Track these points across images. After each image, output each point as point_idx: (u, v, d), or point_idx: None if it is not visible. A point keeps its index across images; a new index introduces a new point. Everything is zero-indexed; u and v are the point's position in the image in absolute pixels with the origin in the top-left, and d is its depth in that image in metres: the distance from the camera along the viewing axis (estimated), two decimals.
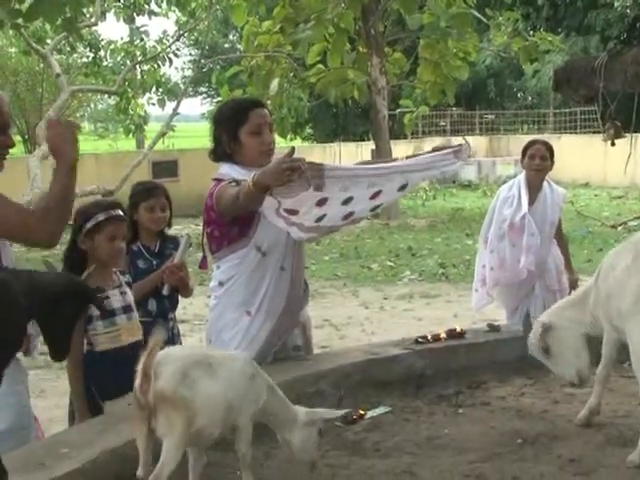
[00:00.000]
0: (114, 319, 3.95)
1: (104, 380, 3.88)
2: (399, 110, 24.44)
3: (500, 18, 20.42)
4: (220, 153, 4.02)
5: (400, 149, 24.78)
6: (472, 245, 14.63)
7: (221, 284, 4.00)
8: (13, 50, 26.02)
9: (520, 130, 33.22)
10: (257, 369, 3.04)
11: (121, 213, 4.13)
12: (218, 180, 3.96)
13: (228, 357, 3.05)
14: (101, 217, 3.99)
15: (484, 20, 20.07)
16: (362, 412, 3.98)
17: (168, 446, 2.73)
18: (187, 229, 18.55)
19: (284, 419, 3.08)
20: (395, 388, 4.28)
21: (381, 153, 20.25)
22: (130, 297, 4.06)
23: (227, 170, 3.96)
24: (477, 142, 31.04)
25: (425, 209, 21.97)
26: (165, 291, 4.57)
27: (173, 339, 4.69)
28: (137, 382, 2.75)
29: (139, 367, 2.75)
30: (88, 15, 15.93)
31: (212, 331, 4.08)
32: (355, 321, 10.00)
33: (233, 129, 3.93)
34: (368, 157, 25.36)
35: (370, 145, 24.75)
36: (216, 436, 2.90)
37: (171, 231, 4.96)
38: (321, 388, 4.17)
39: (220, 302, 4.01)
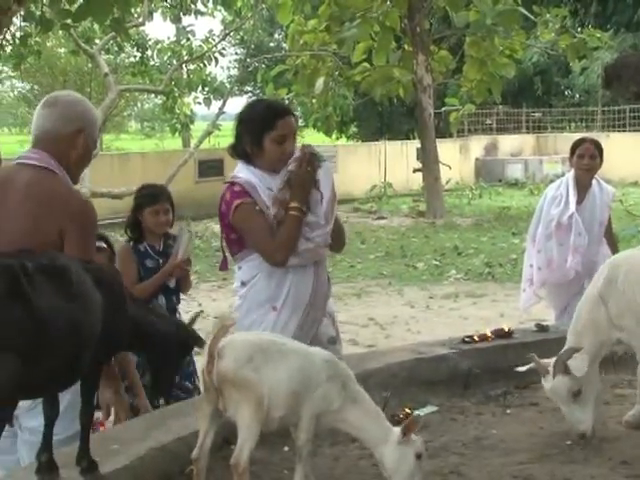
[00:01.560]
0: None
1: None
2: (445, 108, 24.33)
3: (547, 15, 20.25)
4: (239, 151, 4.01)
5: (446, 147, 24.69)
6: (518, 244, 14.52)
7: (244, 284, 4.01)
8: (62, 50, 26.30)
9: (567, 128, 32.87)
10: (339, 373, 3.03)
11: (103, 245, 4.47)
12: (232, 184, 3.95)
13: (307, 350, 3.07)
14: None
15: (531, 17, 19.92)
16: (409, 412, 3.96)
17: (241, 427, 2.80)
18: None
19: (374, 435, 3.00)
20: (442, 388, 4.25)
21: (427, 152, 20.20)
22: None
23: (244, 173, 3.96)
24: (524, 140, 30.83)
25: (471, 208, 21.84)
26: (172, 284, 4.92)
27: None
28: (203, 363, 2.83)
29: (205, 350, 2.82)
30: (136, 15, 16.04)
31: (239, 330, 3.99)
32: (400, 320, 9.98)
33: (258, 133, 3.91)
34: (414, 156, 25.32)
35: (415, 144, 24.66)
36: (279, 421, 2.90)
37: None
38: (367, 387, 4.14)
39: (245, 301, 4.01)
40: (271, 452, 3.35)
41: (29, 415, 3.27)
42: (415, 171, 23.63)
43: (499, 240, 16.07)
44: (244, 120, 4.01)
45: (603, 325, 3.68)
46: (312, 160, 3.87)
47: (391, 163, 25.74)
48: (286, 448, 3.42)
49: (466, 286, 11.87)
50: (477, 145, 28.90)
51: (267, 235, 3.84)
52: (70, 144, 3.34)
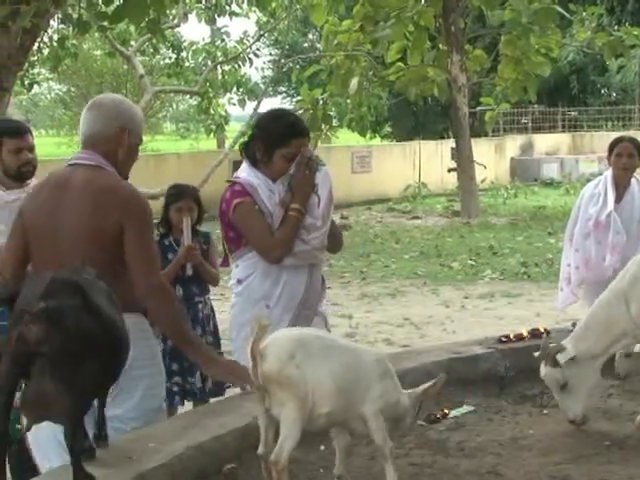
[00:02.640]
0: None
1: None
2: (479, 108, 24.25)
3: (584, 13, 20.09)
4: (249, 153, 4.13)
5: (481, 147, 24.59)
6: (554, 244, 14.44)
7: (240, 281, 4.12)
8: (98, 52, 26.50)
9: (604, 127, 32.64)
10: (390, 370, 3.10)
11: None
12: (233, 184, 4.09)
13: (357, 348, 3.13)
14: None
15: (567, 15, 19.78)
16: (445, 411, 3.95)
17: (284, 424, 2.84)
18: None
19: (401, 415, 3.13)
20: (478, 387, 4.24)
21: (462, 151, 20.13)
22: None
23: (246, 174, 4.09)
24: (560, 139, 30.63)
25: (506, 207, 21.74)
26: (189, 271, 5.27)
27: (203, 321, 5.32)
28: (250, 365, 2.88)
29: (248, 352, 2.86)
30: (171, 17, 16.13)
31: (233, 327, 4.18)
32: (435, 320, 9.95)
33: (271, 146, 4.03)
34: (448, 155, 25.24)
35: (450, 143, 24.58)
36: (325, 419, 2.92)
37: None
38: (403, 386, 4.15)
39: (240, 298, 4.13)
40: (308, 451, 3.36)
41: (112, 404, 3.33)
42: (450, 171, 23.56)
43: (535, 240, 15.97)
44: (262, 128, 4.13)
45: (620, 323, 3.71)
46: (310, 164, 4.02)
47: (426, 163, 25.68)
48: (322, 447, 3.42)
49: (502, 286, 11.81)
50: (512, 144, 28.76)
51: (265, 233, 3.99)
52: (116, 143, 3.54)
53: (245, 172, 4.10)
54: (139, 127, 3.64)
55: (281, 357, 2.85)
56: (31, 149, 4.77)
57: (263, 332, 2.86)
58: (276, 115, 4.26)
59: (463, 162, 20.14)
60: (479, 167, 20.86)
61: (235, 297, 4.17)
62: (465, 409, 4.04)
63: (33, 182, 4.75)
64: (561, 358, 3.71)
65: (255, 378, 2.86)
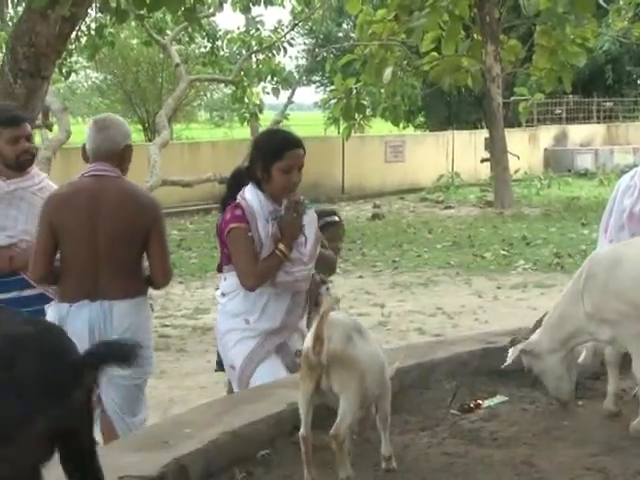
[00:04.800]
0: None
1: None
2: (513, 98, 24.08)
3: (620, 2, 19.91)
4: (252, 174, 4.36)
5: (514, 137, 24.46)
6: (588, 235, 14.35)
7: (224, 295, 4.39)
8: (135, 41, 26.58)
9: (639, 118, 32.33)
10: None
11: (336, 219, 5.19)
12: (236, 207, 4.30)
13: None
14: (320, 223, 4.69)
15: (603, 4, 19.59)
16: (479, 401, 3.96)
17: (345, 402, 2.97)
18: None
19: None
20: (512, 378, 4.23)
21: (495, 141, 20.04)
22: None
23: (250, 196, 4.30)
24: (594, 130, 30.38)
25: (539, 198, 21.62)
26: None
27: None
28: (309, 344, 2.99)
29: (312, 330, 3.00)
30: (206, 6, 16.13)
31: (218, 333, 4.50)
32: (468, 310, 9.94)
33: (268, 161, 4.25)
34: (482, 145, 25.12)
35: (484, 133, 24.47)
36: (372, 396, 3.12)
37: None
38: (437, 376, 4.17)
39: (224, 309, 4.40)
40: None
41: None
42: (483, 161, 23.48)
43: (568, 230, 15.88)
44: (258, 147, 4.40)
45: (574, 320, 3.79)
46: (298, 207, 4.26)
47: (459, 153, 25.59)
48: (354, 437, 3.44)
49: (534, 276, 11.77)
50: (546, 135, 28.57)
51: (248, 260, 4.22)
52: (123, 157, 4.38)
53: (250, 193, 4.32)
54: (130, 137, 4.49)
55: (342, 339, 3.00)
56: (29, 138, 4.83)
57: (329, 311, 2.99)
58: (269, 133, 4.67)
59: (497, 152, 20.06)
60: (512, 157, 20.76)
61: (220, 307, 4.46)
62: (498, 399, 4.05)
63: (34, 169, 4.89)
64: (525, 347, 3.85)
65: (317, 357, 2.95)
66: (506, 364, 3.91)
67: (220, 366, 5.20)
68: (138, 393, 4.40)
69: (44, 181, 4.91)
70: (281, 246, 4.22)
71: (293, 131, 4.59)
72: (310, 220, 4.37)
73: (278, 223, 4.26)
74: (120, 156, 4.36)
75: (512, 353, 3.87)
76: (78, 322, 4.21)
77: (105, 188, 4.27)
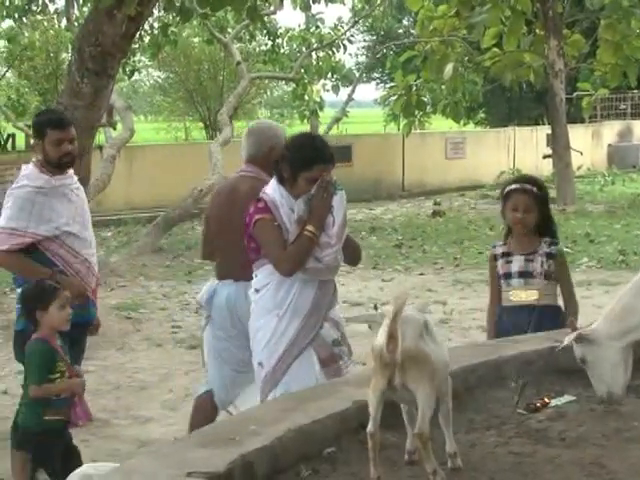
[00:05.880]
0: (510, 281, 5.11)
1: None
2: (576, 93, 23.80)
3: None
4: (277, 171, 4.49)
5: (577, 133, 24.15)
6: None
7: (257, 291, 4.53)
8: (196, 40, 26.80)
9: None
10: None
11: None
12: (258, 201, 4.46)
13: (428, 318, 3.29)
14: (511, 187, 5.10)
15: None
16: (546, 400, 3.92)
17: (423, 397, 2.99)
18: (360, 214, 18.73)
19: None
20: (579, 377, 4.15)
21: (558, 137, 19.81)
22: (534, 266, 5.08)
23: (272, 190, 4.45)
24: None
25: (603, 194, 21.34)
26: None
27: None
28: (383, 342, 3.00)
29: (384, 328, 3.01)
30: (267, 4, 16.22)
31: (251, 329, 4.61)
32: None
33: (296, 169, 4.40)
34: (544, 142, 24.85)
35: (545, 129, 24.22)
36: (438, 392, 3.10)
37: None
38: (503, 374, 4.13)
39: (257, 306, 4.53)
40: (406, 438, 3.36)
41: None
42: (545, 157, 23.22)
43: (633, 227, 15.65)
44: (291, 150, 4.50)
45: (636, 313, 3.71)
46: (329, 188, 4.37)
47: (520, 149, 25.36)
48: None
49: (599, 274, 11.62)
50: (610, 130, 28.16)
51: (279, 247, 4.36)
52: (267, 159, 4.90)
53: (272, 188, 4.46)
54: (281, 143, 4.90)
55: (415, 335, 3.02)
56: (72, 141, 5.14)
57: (402, 309, 2.99)
58: (305, 139, 4.64)
59: (559, 148, 19.83)
60: (575, 154, 20.51)
61: (253, 304, 4.57)
62: (566, 399, 3.99)
63: (71, 170, 5.24)
64: (582, 332, 3.76)
65: (392, 354, 2.97)
66: (561, 347, 3.85)
67: None
68: None
69: (78, 182, 5.33)
70: (309, 227, 4.32)
71: (327, 141, 4.70)
72: (339, 202, 4.44)
73: (309, 200, 4.36)
74: (263, 158, 5.00)
75: (568, 338, 3.81)
76: (221, 297, 5.01)
77: (241, 185, 5.05)
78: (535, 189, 5.14)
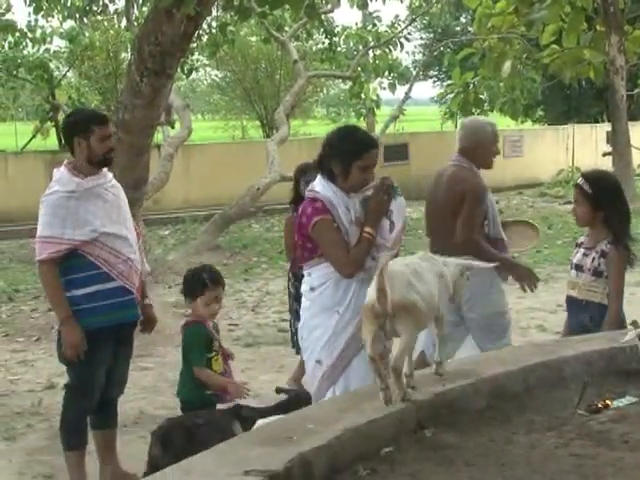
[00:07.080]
0: (570, 271, 5.40)
1: None
2: (637, 90, 23.44)
3: None
4: (324, 168, 4.52)
5: (638, 131, 23.78)
6: None
7: (313, 289, 4.54)
8: (254, 39, 26.92)
9: None
10: (442, 268, 3.62)
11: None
12: (314, 200, 4.49)
13: (422, 264, 3.55)
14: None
15: None
16: (607, 402, 3.86)
17: (406, 338, 3.35)
18: (417, 212, 18.65)
19: None
20: None
21: (618, 135, 19.54)
22: (586, 261, 5.24)
23: (323, 188, 4.49)
24: None
25: None
26: None
27: None
28: (374, 296, 3.29)
29: (374, 283, 3.29)
30: (324, 2, 16.23)
31: (305, 328, 4.62)
32: None
33: (348, 160, 4.45)
34: (603, 140, 24.53)
35: (605, 127, 23.90)
36: (429, 323, 3.57)
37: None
38: (564, 375, 4.08)
39: (314, 304, 4.55)
40: (464, 438, 3.35)
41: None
42: (605, 155, 22.91)
43: None
44: (334, 145, 4.54)
45: None
46: (389, 191, 4.46)
47: (579, 147, 25.06)
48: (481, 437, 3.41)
49: None
50: None
51: (342, 250, 4.42)
52: (473, 152, 5.87)
53: (321, 186, 4.49)
54: (487, 137, 5.92)
55: (403, 286, 3.32)
56: (110, 137, 5.16)
57: (387, 265, 3.27)
58: (345, 132, 4.70)
59: (620, 146, 19.56)
60: (636, 151, 20.22)
61: (308, 302, 4.59)
62: (628, 400, 3.93)
63: (105, 170, 5.21)
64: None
65: (383, 306, 3.22)
66: (623, 340, 3.81)
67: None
68: None
69: (113, 180, 5.27)
70: (367, 229, 4.40)
71: (367, 130, 4.81)
72: (399, 207, 4.52)
73: (363, 204, 4.43)
74: (469, 151, 5.84)
75: (631, 334, 3.77)
76: None
77: (446, 172, 5.89)
78: (586, 184, 5.06)
